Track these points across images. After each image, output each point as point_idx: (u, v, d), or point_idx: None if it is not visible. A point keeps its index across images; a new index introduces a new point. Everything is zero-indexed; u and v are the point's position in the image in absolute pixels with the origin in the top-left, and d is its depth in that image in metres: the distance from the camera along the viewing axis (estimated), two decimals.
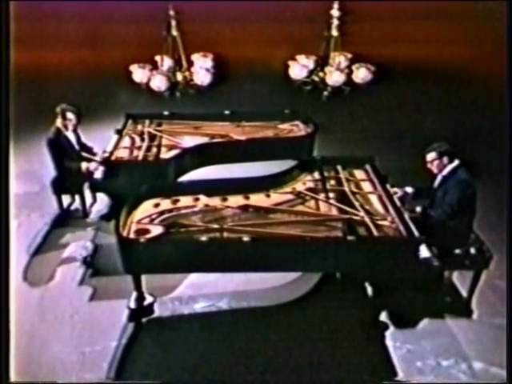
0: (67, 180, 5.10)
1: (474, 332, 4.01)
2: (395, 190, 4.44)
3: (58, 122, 5.09)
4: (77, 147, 5.21)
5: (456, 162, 4.18)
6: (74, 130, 5.17)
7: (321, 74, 7.23)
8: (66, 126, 5.10)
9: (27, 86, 6.00)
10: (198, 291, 4.38)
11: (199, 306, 4.28)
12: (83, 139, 5.34)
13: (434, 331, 4.03)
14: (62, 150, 5.05)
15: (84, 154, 5.17)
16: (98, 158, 5.08)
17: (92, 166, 4.97)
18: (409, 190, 4.44)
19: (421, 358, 3.82)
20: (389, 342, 3.93)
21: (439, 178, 4.25)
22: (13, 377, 3.52)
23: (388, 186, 4.50)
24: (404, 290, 4.30)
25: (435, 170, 4.25)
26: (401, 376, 3.70)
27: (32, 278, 4.52)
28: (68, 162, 5.04)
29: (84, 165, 5.00)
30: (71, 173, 5.05)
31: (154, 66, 7.19)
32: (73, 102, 5.20)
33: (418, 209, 4.25)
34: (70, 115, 5.07)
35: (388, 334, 4.00)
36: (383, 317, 4.14)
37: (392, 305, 4.22)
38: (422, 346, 3.90)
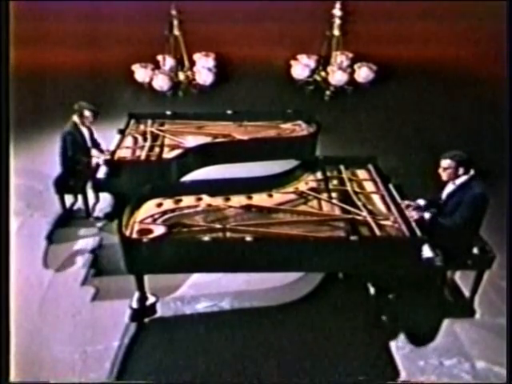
0: (75, 174, 5.14)
1: (476, 332, 4.01)
2: (407, 203, 4.28)
3: (75, 118, 5.15)
4: (89, 143, 5.28)
5: (471, 173, 4.03)
6: (89, 127, 5.23)
7: (323, 73, 7.23)
8: (82, 123, 5.17)
9: (27, 86, 5.99)
10: (201, 291, 4.37)
11: (201, 306, 4.28)
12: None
13: None
14: (74, 144, 5.10)
15: (94, 151, 5.27)
16: (107, 154, 5.14)
17: (102, 160, 5.04)
18: (421, 202, 4.30)
19: (423, 358, 3.81)
20: (391, 342, 3.93)
21: (451, 186, 4.11)
22: (13, 377, 3.52)
23: (398, 197, 4.38)
24: (406, 290, 4.30)
25: (445, 177, 4.09)
26: (403, 375, 3.69)
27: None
28: (79, 156, 5.09)
29: (95, 159, 5.08)
30: (80, 166, 5.09)
31: (156, 66, 7.19)
32: (74, 102, 5.21)
33: (427, 215, 4.14)
34: (86, 113, 5.14)
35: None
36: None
37: (394, 305, 4.22)
38: (425, 346, 3.90)
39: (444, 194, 4.20)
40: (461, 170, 4.03)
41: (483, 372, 3.72)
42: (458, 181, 4.07)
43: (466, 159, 4.04)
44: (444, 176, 4.10)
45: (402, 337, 3.97)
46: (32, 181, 5.66)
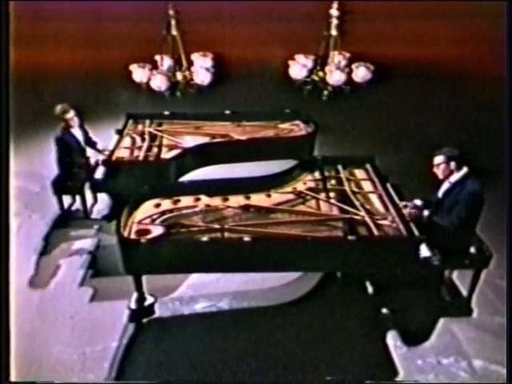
0: (73, 175, 5.15)
1: (473, 331, 4.02)
2: (404, 203, 4.29)
3: (62, 123, 5.14)
4: (83, 144, 5.27)
5: (465, 170, 4.08)
6: (81, 126, 5.23)
7: (321, 73, 7.23)
8: (70, 126, 5.15)
9: (27, 86, 5.99)
10: (199, 291, 4.38)
11: (200, 307, 4.29)
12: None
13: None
14: (68, 148, 5.09)
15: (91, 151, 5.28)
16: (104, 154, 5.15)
17: (100, 159, 5.04)
18: (418, 202, 4.32)
19: (421, 357, 3.82)
20: (389, 341, 3.93)
21: (446, 184, 4.15)
22: (13, 377, 3.53)
23: (396, 198, 4.38)
24: (404, 289, 4.31)
25: (441, 175, 4.14)
26: (401, 375, 3.70)
27: (34, 280, 4.52)
28: (75, 157, 5.10)
29: (93, 159, 5.08)
30: (78, 167, 5.10)
31: (154, 66, 7.17)
32: (73, 102, 5.21)
33: (426, 213, 4.19)
34: (68, 115, 5.13)
35: (388, 332, 4.01)
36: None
37: (392, 304, 4.23)
38: (422, 345, 3.90)
39: (440, 193, 4.23)
40: (452, 165, 4.09)
41: (480, 371, 3.73)
42: (453, 178, 4.12)
43: (456, 154, 4.10)
44: (439, 174, 4.16)
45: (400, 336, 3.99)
46: (30, 182, 5.67)
